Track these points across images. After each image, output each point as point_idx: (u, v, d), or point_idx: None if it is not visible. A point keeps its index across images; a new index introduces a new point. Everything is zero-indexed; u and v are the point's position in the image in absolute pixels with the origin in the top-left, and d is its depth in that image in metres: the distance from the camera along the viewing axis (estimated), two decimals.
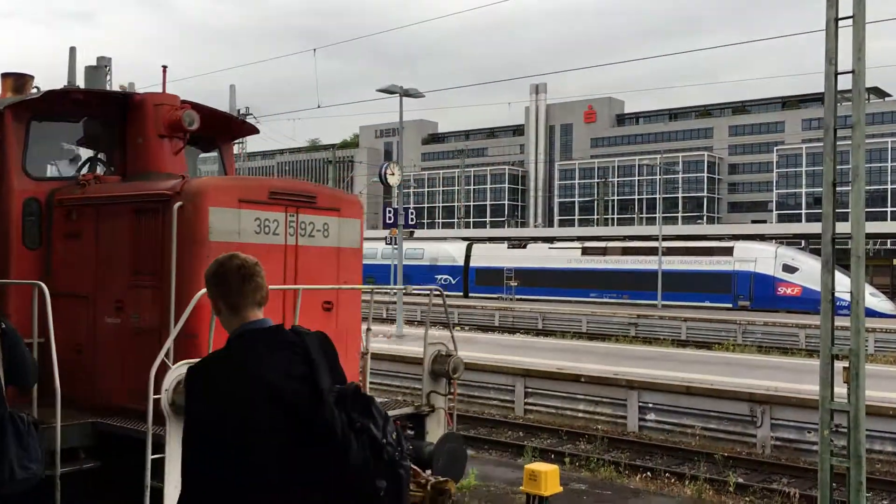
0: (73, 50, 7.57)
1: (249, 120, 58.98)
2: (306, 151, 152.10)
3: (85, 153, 7.34)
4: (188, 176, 6.30)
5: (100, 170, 7.19)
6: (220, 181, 6.46)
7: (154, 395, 4.89)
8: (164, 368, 4.95)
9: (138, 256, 6.11)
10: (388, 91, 23.09)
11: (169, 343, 5.10)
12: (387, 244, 43.93)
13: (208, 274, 2.81)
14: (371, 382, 7.46)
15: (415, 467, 5.65)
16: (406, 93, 23.27)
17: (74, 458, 5.52)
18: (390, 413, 6.34)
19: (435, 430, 7.00)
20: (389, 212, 23.55)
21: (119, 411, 5.73)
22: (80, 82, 7.39)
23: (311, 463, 2.50)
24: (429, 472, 5.98)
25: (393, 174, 23.33)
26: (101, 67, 7.56)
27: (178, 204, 5.72)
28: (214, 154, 8.13)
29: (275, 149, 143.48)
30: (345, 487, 2.53)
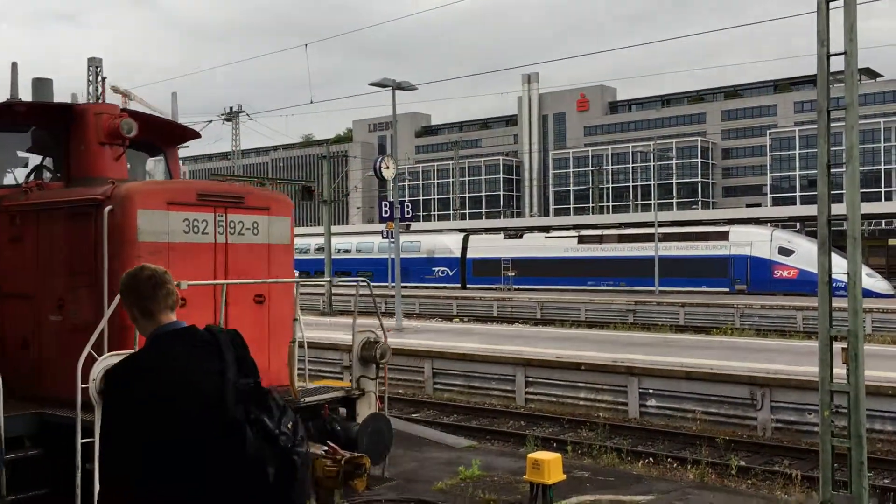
0: (14, 65, 7.96)
1: (242, 117, 58.88)
2: (300, 147, 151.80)
3: (35, 161, 7.86)
4: (118, 182, 6.60)
5: (47, 176, 7.67)
6: (147, 185, 6.90)
7: (83, 384, 5.26)
8: (92, 360, 5.29)
9: (75, 258, 6.53)
10: (381, 84, 23.04)
11: (94, 337, 5.49)
12: (383, 238, 44.00)
13: (122, 285, 3.03)
14: (312, 370, 7.83)
15: (333, 445, 6.08)
16: (399, 86, 23.23)
17: (20, 447, 5.99)
18: (326, 396, 7.03)
19: (366, 413, 7.34)
20: (385, 205, 23.53)
21: (64, 402, 6.04)
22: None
23: (215, 454, 2.73)
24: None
25: (388, 168, 23.32)
26: (48, 80, 8.10)
27: (108, 208, 6.17)
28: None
29: (268, 145, 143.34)
30: (242, 475, 2.75)
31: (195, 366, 2.85)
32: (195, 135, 9.00)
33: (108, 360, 5.13)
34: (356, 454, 6.12)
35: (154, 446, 2.73)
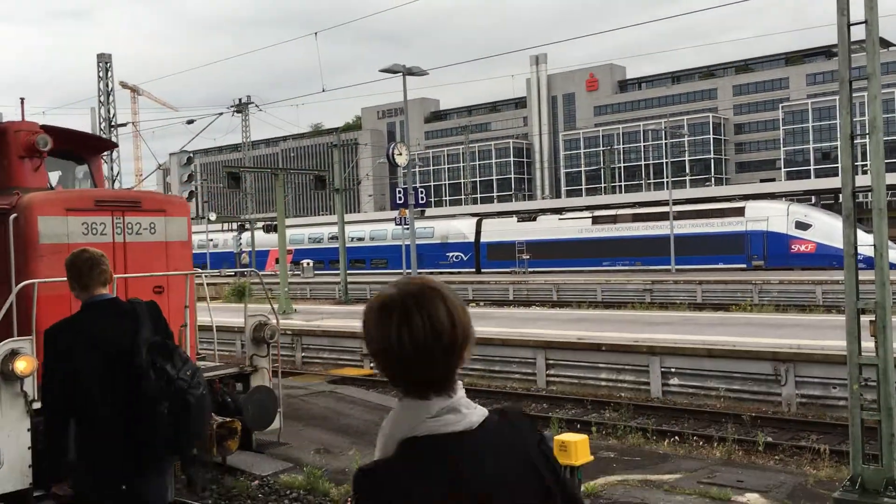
0: None
1: (251, 109, 58.81)
2: (310, 136, 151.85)
3: None
4: (23, 192, 7.43)
5: None
6: (48, 195, 7.75)
7: None
8: None
9: None
10: (391, 70, 22.94)
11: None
12: (396, 225, 43.98)
13: (67, 263, 3.89)
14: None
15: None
16: (409, 71, 23.12)
17: None
18: (219, 373, 8.15)
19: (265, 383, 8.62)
20: (399, 192, 23.48)
21: None
22: None
23: (125, 389, 3.74)
24: None
25: (401, 154, 23.27)
26: None
27: (13, 216, 7.06)
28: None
29: (278, 136, 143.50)
30: (144, 407, 3.73)
31: (114, 324, 3.82)
32: (112, 145, 10.36)
33: (6, 346, 6.21)
34: (228, 419, 7.24)
35: (82, 379, 3.71)
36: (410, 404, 1.70)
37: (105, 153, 10.89)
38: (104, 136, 32.98)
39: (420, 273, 29.09)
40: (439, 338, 1.64)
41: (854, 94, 7.73)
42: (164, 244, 8.13)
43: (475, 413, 1.69)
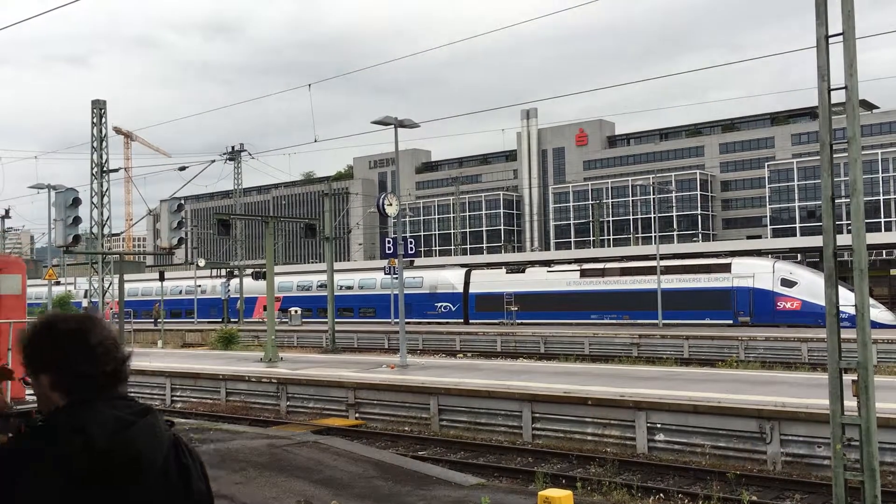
0: None
1: (244, 157, 59.22)
2: (301, 185, 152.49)
3: None
4: None
5: None
6: None
7: None
8: None
9: None
10: (384, 122, 23.24)
11: None
12: (385, 274, 44.04)
13: None
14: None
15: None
16: (401, 123, 23.42)
17: None
18: (30, 406, 9.46)
19: None
20: (389, 242, 23.59)
21: None
22: None
23: None
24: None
25: (391, 205, 23.42)
26: None
27: None
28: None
29: (270, 183, 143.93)
30: None
31: None
32: None
33: None
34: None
35: None
36: None
37: None
38: (96, 180, 33.07)
39: (408, 323, 29.04)
40: None
41: (837, 156, 7.93)
42: None
43: None
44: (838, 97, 7.62)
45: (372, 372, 21.26)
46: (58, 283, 41.41)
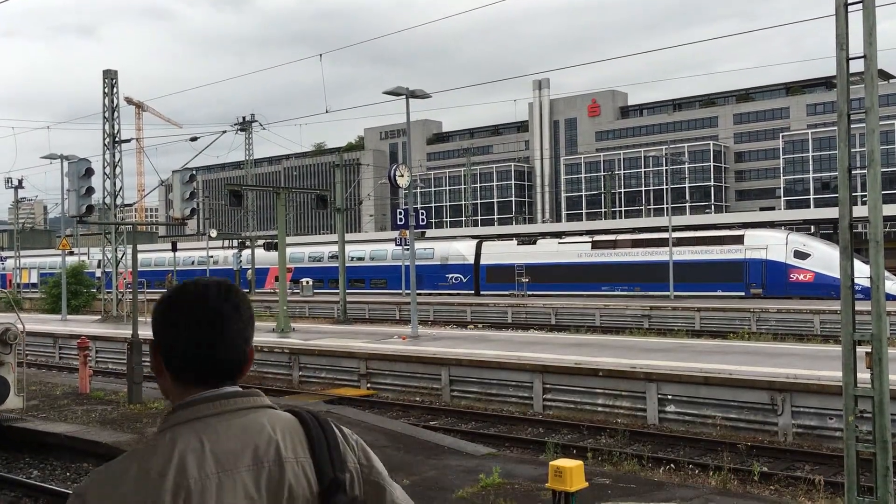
0: None
1: (255, 127, 59.12)
2: (312, 156, 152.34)
3: None
4: None
5: None
6: None
7: None
8: None
9: None
10: (395, 93, 23.10)
11: None
12: (396, 245, 44.02)
13: None
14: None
15: None
16: (413, 94, 23.27)
17: None
18: None
19: (7, 375, 11.86)
20: (400, 213, 23.56)
21: None
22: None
23: None
24: None
25: (402, 175, 23.36)
26: None
27: None
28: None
29: (281, 154, 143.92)
30: None
31: None
32: None
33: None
34: None
35: None
36: None
37: None
38: (108, 151, 33.10)
39: (419, 294, 29.12)
40: None
41: (853, 126, 7.83)
42: None
43: None
44: (856, 67, 7.51)
45: (383, 343, 21.36)
46: (71, 254, 41.66)
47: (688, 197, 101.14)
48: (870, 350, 7.23)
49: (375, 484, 1.70)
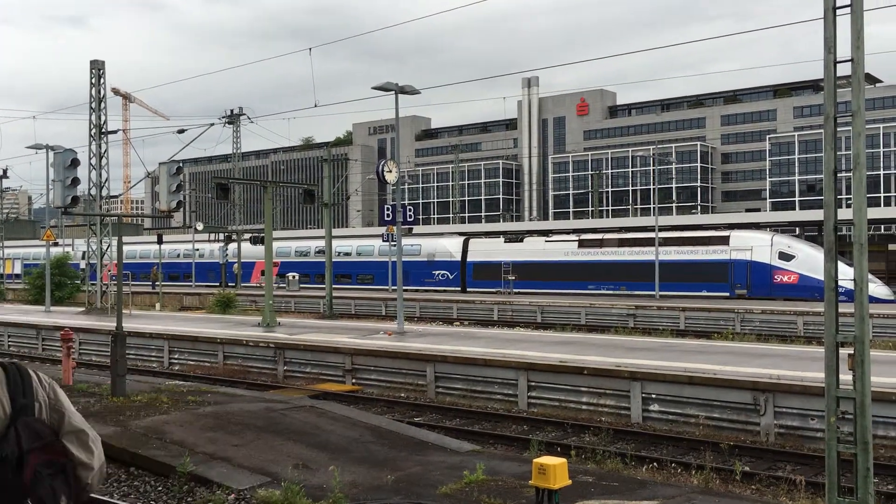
0: None
1: (243, 120, 58.82)
2: (300, 150, 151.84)
3: None
4: None
5: None
6: None
7: None
8: None
9: None
10: (384, 88, 23.05)
11: None
12: (383, 241, 43.97)
13: None
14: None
15: None
16: (402, 90, 23.24)
17: None
18: None
19: None
20: (388, 209, 23.53)
21: None
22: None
23: None
24: None
25: (390, 171, 23.32)
26: None
27: None
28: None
29: (268, 148, 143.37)
30: None
31: None
32: None
33: None
34: None
35: None
36: None
37: None
38: (94, 142, 32.86)
39: (405, 290, 29.07)
40: None
41: (840, 129, 7.87)
42: None
43: None
44: (843, 70, 7.56)
45: (369, 338, 21.34)
46: (56, 245, 41.36)
47: (674, 197, 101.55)
48: (852, 352, 7.29)
49: (58, 411, 2.16)
